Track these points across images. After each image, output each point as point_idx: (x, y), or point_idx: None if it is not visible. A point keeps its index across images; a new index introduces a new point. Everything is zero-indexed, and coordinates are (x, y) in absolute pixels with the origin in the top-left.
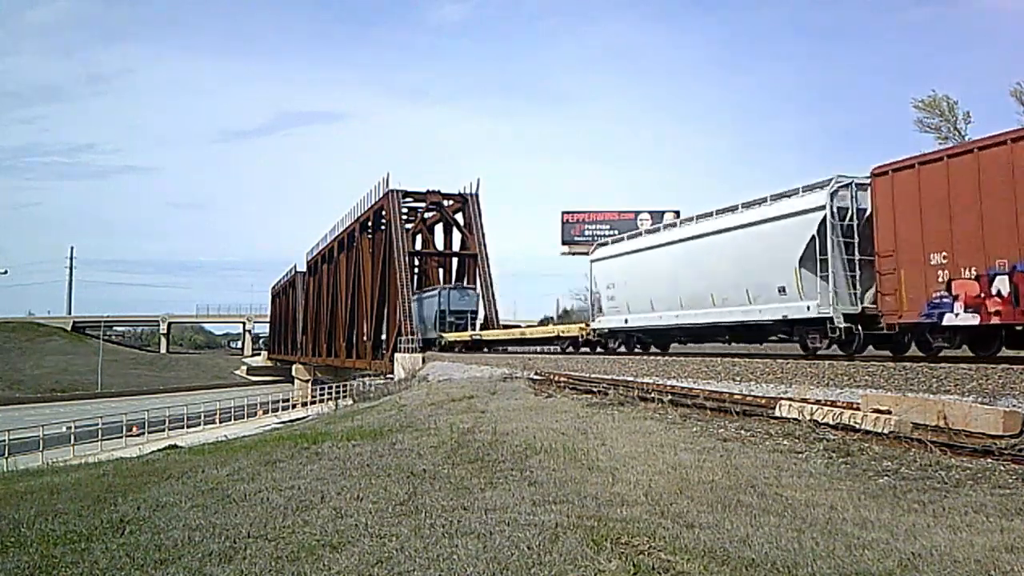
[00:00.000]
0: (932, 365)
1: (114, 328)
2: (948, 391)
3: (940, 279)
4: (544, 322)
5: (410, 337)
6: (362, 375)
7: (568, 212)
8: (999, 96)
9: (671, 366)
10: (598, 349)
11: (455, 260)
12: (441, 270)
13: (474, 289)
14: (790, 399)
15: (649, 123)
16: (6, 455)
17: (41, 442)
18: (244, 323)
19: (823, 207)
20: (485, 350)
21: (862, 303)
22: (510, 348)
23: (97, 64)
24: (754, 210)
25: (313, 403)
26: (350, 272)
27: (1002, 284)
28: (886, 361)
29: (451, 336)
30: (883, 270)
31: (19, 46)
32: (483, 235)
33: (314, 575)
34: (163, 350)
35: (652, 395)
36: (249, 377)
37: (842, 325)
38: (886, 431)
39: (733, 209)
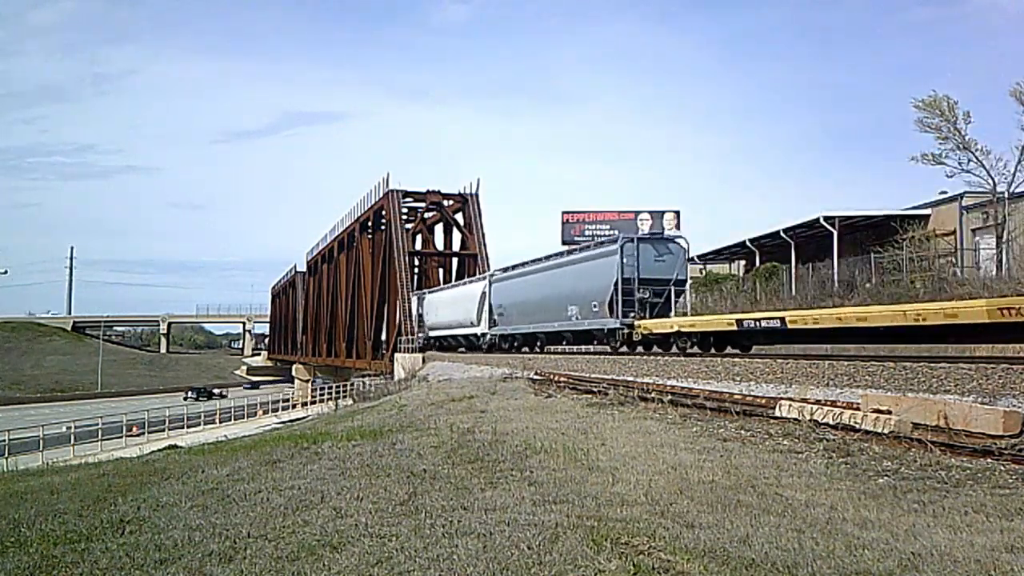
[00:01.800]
0: (932, 365)
1: (114, 328)
2: (948, 391)
3: None
4: None
5: (410, 337)
6: (362, 375)
7: (568, 212)
8: (1000, 96)
9: (671, 366)
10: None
11: (455, 260)
12: (441, 270)
13: (679, 241)
14: (790, 399)
15: (649, 123)
16: (6, 455)
17: (41, 442)
18: (244, 323)
19: None
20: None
21: None
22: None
23: (100, 64)
24: None
25: (313, 403)
26: (350, 272)
27: None
28: (886, 361)
29: (658, 324)
30: None
31: (23, 47)
32: (483, 235)
33: (314, 575)
34: (163, 350)
35: (652, 395)
36: (249, 377)
37: None
38: (886, 431)
39: None
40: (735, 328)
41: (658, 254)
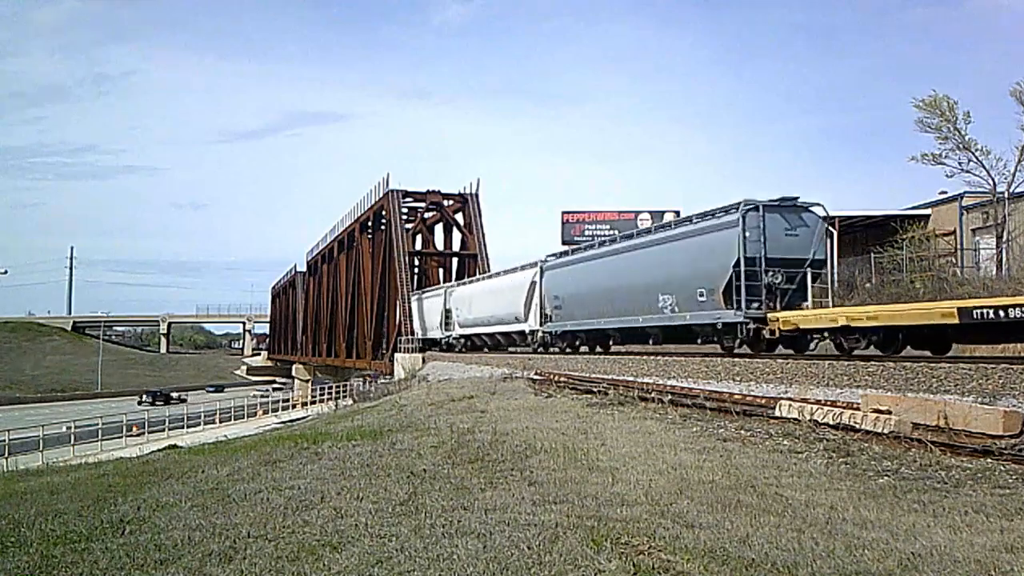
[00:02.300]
0: (932, 365)
1: (114, 328)
2: (948, 391)
3: None
4: None
5: (410, 337)
6: (362, 375)
7: (568, 212)
8: (1000, 96)
9: (671, 366)
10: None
11: (455, 260)
12: (441, 270)
13: (815, 210)
14: (790, 399)
15: (649, 123)
16: (6, 455)
17: (41, 442)
18: (244, 323)
19: None
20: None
21: None
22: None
23: (100, 64)
24: None
25: (313, 403)
26: (350, 272)
27: None
28: (886, 361)
29: (808, 316)
30: None
31: (24, 47)
32: (483, 235)
33: (314, 575)
34: (163, 350)
35: (652, 395)
36: (249, 377)
37: None
38: (886, 431)
39: None
40: (955, 320)
41: (789, 226)
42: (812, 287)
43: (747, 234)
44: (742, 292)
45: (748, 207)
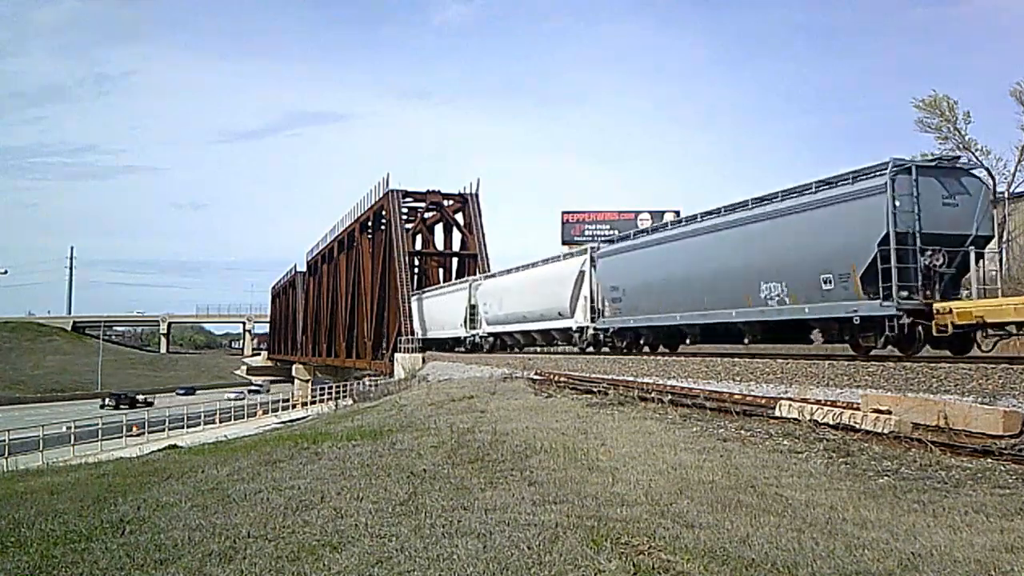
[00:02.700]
0: (932, 365)
1: (114, 328)
2: (948, 391)
3: None
4: None
5: (410, 337)
6: (362, 375)
7: (568, 212)
8: (1000, 96)
9: (671, 366)
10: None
11: (455, 260)
12: (441, 270)
13: (976, 174)
14: (790, 399)
15: (649, 123)
16: (6, 455)
17: (41, 442)
18: (244, 323)
19: None
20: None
21: None
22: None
23: (101, 64)
24: None
25: (313, 403)
26: (350, 272)
27: None
28: (886, 361)
29: (1007, 305)
30: None
31: (25, 47)
32: (483, 235)
33: (314, 575)
34: (163, 350)
35: (652, 395)
36: (249, 377)
37: None
38: (886, 431)
39: None
40: None
41: (948, 194)
42: (976, 270)
43: (897, 203)
44: (892, 277)
45: (898, 168)
